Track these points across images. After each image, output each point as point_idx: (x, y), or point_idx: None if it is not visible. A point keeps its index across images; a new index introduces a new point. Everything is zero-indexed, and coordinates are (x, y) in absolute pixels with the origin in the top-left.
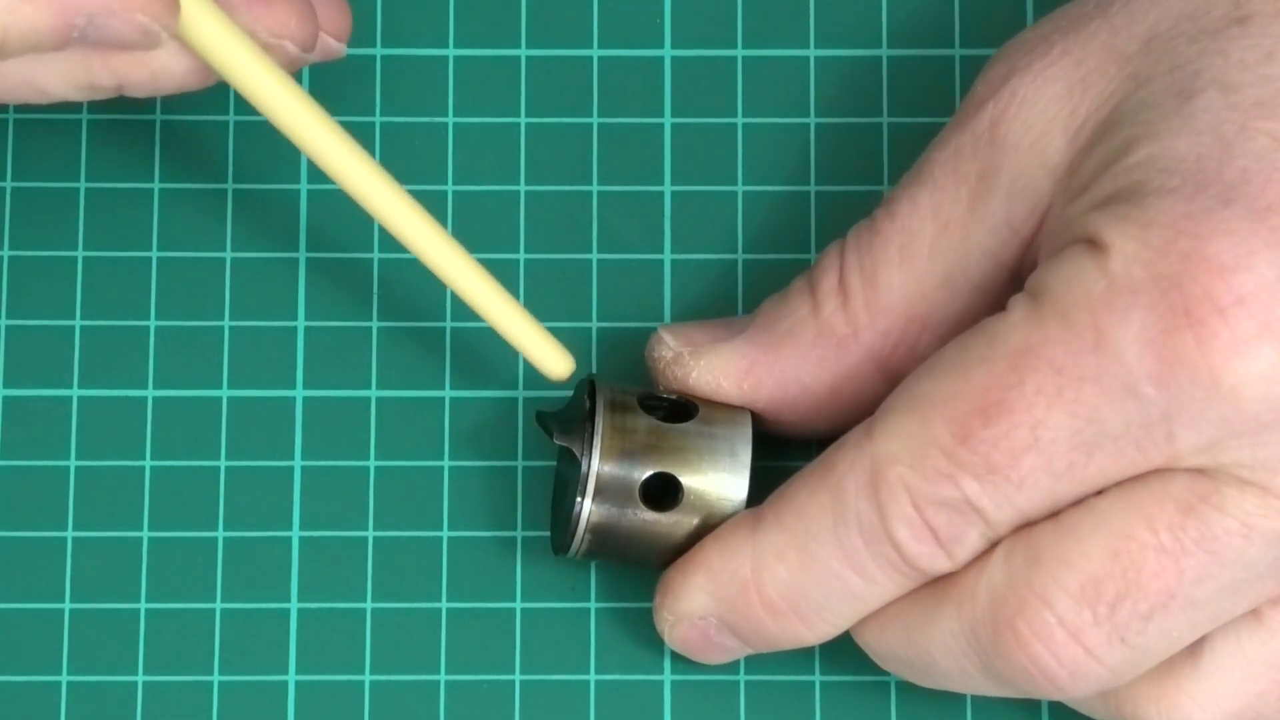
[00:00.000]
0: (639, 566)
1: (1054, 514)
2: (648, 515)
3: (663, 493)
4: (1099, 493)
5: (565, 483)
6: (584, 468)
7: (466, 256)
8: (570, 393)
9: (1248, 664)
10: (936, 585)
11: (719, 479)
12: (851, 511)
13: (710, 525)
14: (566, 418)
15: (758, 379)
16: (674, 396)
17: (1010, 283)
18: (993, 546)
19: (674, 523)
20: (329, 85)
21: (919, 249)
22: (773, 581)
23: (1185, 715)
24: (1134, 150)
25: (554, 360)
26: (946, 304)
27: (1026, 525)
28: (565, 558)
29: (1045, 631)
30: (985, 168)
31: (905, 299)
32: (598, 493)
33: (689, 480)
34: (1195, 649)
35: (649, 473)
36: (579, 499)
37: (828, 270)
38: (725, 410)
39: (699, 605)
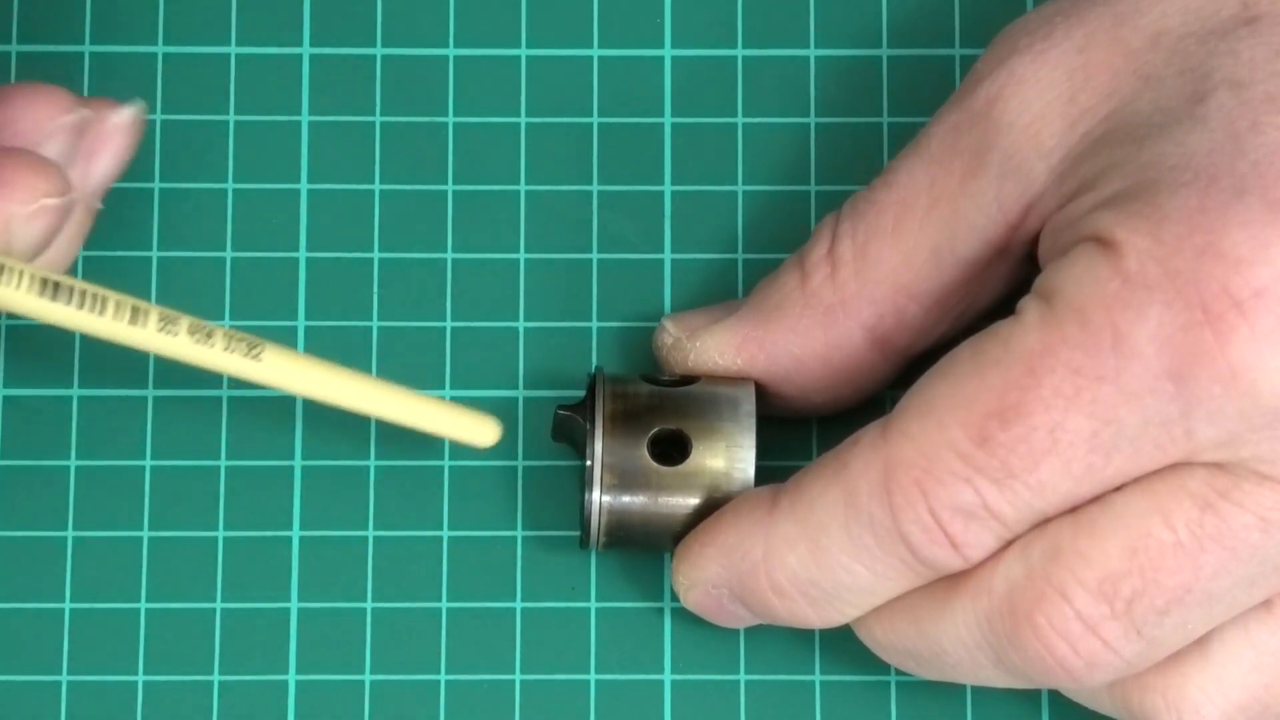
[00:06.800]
0: (659, 533)
1: (1072, 508)
2: (659, 468)
3: (672, 453)
4: (1116, 488)
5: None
6: (590, 426)
7: (353, 376)
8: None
9: (1256, 654)
10: (950, 577)
11: (725, 429)
12: (864, 512)
13: (722, 478)
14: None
15: (750, 354)
16: (677, 376)
17: (996, 261)
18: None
19: (686, 475)
20: (330, 85)
21: (912, 220)
22: (782, 568)
23: (1193, 705)
24: (1143, 149)
25: (478, 430)
26: (932, 277)
27: (1043, 520)
28: (590, 526)
29: (1063, 625)
30: (979, 144)
31: (893, 269)
32: (607, 453)
33: (696, 433)
34: (1203, 639)
35: (655, 428)
36: (589, 451)
37: (819, 242)
38: (727, 378)
39: (712, 575)
